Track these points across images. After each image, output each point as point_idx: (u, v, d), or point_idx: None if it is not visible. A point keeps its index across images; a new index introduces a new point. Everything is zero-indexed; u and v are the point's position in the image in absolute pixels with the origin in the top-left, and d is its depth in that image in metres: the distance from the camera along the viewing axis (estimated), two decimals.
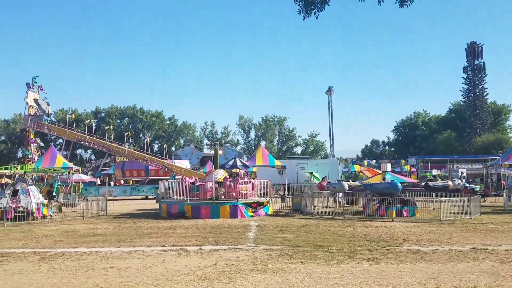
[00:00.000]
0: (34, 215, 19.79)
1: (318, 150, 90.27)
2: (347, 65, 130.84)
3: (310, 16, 7.91)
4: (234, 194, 20.23)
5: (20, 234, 15.26)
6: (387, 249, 11.27)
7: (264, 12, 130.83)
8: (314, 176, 31.49)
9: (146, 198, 36.69)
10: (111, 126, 50.20)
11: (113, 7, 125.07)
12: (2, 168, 33.57)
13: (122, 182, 41.30)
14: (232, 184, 20.44)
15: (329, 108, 46.56)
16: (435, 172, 45.38)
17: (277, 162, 32.87)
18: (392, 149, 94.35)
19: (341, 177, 35.94)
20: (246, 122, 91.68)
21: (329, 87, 46.39)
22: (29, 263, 10.14)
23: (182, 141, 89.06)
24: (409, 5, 7.94)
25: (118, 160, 46.98)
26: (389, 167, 22.42)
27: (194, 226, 16.66)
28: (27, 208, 19.73)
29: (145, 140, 49.15)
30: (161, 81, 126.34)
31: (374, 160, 56.26)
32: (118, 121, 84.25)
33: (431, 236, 13.45)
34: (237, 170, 26.44)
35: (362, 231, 14.83)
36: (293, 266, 9.38)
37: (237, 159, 27.06)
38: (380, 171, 24.91)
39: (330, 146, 47.60)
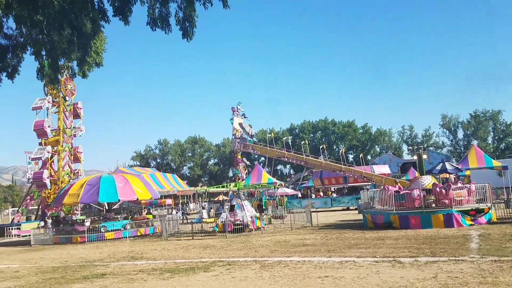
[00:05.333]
0: (250, 227, 21.74)
1: None
2: None
3: None
4: (446, 201, 18.46)
5: (240, 245, 16.92)
6: None
7: None
8: None
9: (347, 209, 36.71)
10: (306, 141, 52.33)
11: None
12: (220, 186, 38.57)
13: (321, 194, 42.36)
14: (444, 190, 18.69)
15: None
16: None
17: (496, 163, 28.69)
18: None
19: None
20: (451, 121, 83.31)
21: None
22: (251, 270, 11.07)
23: (378, 149, 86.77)
24: None
25: (315, 170, 48.31)
26: None
27: (405, 237, 15.79)
28: (243, 221, 21.82)
29: (340, 151, 49.47)
30: (350, 91, 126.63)
31: None
32: (312, 135, 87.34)
33: None
34: (447, 175, 24.13)
35: None
36: None
37: (446, 163, 24.66)
38: None
39: None
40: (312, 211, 25.27)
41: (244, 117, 44.46)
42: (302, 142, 50.41)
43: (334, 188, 42.93)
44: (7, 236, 30.00)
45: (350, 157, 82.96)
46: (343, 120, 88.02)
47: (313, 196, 41.36)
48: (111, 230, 23.70)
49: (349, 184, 39.47)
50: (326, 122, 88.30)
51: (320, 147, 49.23)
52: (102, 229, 23.58)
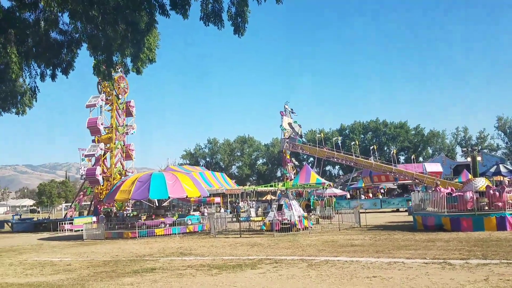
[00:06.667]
0: (297, 227, 21.72)
1: None
2: None
3: None
4: (500, 204, 17.78)
5: (287, 243, 16.96)
6: None
7: None
8: None
9: (397, 210, 35.79)
10: (357, 141, 51.39)
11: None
12: (268, 186, 38.79)
13: (371, 195, 41.52)
14: (497, 193, 17.96)
15: None
16: None
17: None
18: None
19: None
20: (506, 123, 79.66)
21: None
22: (298, 269, 11.10)
23: (430, 151, 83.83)
24: None
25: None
26: None
27: (456, 239, 15.28)
28: (290, 220, 21.82)
29: (391, 152, 48.25)
30: (402, 91, 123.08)
31: None
32: (362, 136, 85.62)
33: None
34: (501, 178, 23.03)
35: None
36: None
37: (500, 165, 23.60)
38: None
39: None
40: (361, 212, 24.87)
41: (292, 113, 44.48)
42: (352, 143, 49.57)
43: (384, 190, 42.03)
44: (60, 230, 31.00)
45: (401, 158, 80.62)
46: (395, 121, 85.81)
47: (362, 197, 40.64)
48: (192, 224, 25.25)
49: (399, 182, 38.68)
50: (377, 122, 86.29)
51: (371, 148, 48.27)
52: (188, 221, 25.14)
